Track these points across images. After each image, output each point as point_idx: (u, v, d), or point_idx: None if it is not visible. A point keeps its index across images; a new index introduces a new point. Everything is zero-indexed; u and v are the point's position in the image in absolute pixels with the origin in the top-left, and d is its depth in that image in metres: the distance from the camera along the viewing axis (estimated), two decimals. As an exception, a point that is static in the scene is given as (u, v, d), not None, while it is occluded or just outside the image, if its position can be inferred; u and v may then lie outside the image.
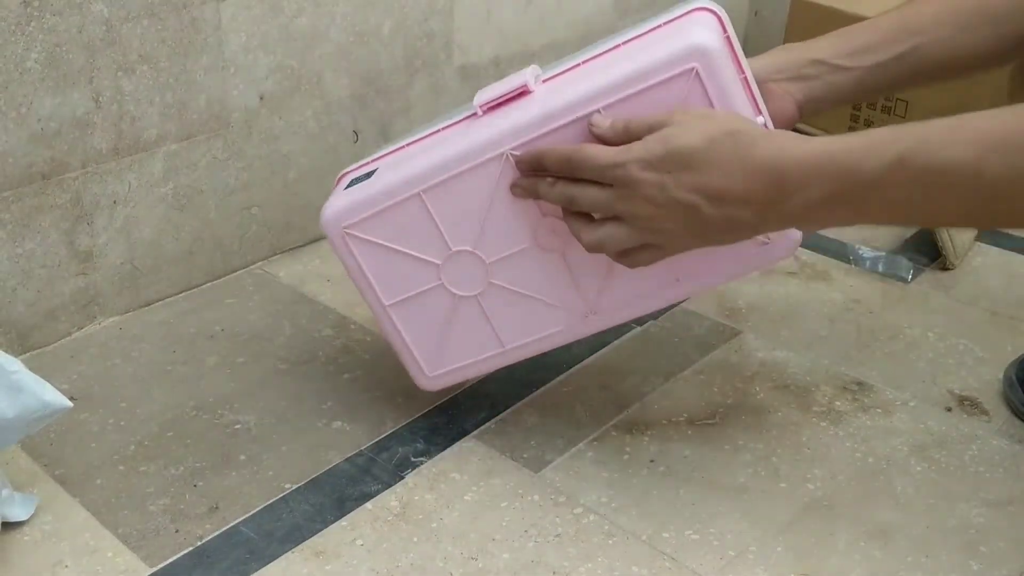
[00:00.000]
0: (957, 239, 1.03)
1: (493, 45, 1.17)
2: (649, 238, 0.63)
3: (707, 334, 0.89)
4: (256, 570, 0.65)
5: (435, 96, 1.12)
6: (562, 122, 0.65)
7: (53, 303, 0.87)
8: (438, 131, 0.72)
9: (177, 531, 0.68)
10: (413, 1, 1.05)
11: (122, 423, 0.78)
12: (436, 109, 1.11)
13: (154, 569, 0.65)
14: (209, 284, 0.98)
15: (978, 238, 1.08)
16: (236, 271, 1.01)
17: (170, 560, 0.65)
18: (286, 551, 0.66)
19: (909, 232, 1.07)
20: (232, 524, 0.68)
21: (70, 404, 0.64)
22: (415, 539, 0.67)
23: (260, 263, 1.02)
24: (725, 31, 0.65)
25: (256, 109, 0.96)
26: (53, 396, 0.63)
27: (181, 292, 0.96)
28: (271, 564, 0.65)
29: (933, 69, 0.75)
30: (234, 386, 0.83)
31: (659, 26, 0.67)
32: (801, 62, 0.74)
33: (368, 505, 0.70)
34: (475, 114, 0.70)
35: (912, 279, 1.00)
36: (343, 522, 0.69)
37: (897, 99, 1.20)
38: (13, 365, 0.62)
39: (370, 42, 1.03)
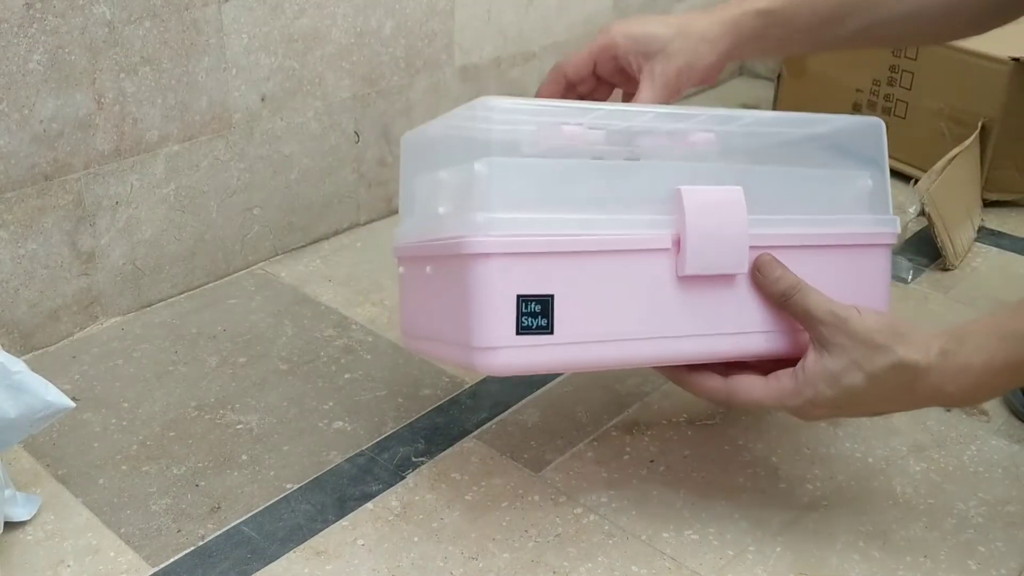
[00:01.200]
0: (957, 240, 1.03)
1: (494, 46, 1.17)
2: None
3: (707, 334, 0.90)
4: (257, 570, 0.65)
5: (436, 97, 1.12)
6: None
7: (55, 303, 0.87)
8: (627, 251, 0.61)
9: (179, 531, 0.68)
10: (414, 2, 1.06)
11: (124, 423, 0.78)
12: (437, 110, 1.11)
13: (156, 569, 0.65)
14: (211, 284, 0.99)
15: (977, 238, 1.08)
16: (238, 271, 1.01)
17: (172, 560, 0.66)
18: (287, 551, 0.66)
19: (909, 233, 1.07)
20: (234, 524, 0.69)
21: (72, 404, 0.64)
22: (416, 539, 0.67)
23: (262, 263, 1.02)
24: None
25: (258, 110, 0.96)
26: (55, 396, 0.63)
27: (183, 292, 0.97)
28: (272, 564, 0.65)
29: (885, 41, 0.77)
30: (236, 386, 0.83)
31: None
32: (755, 32, 0.72)
33: (369, 505, 0.70)
34: (667, 250, 0.62)
35: (912, 279, 1.00)
36: (344, 522, 0.69)
37: (897, 100, 1.20)
38: (16, 365, 0.63)
39: (371, 43, 1.03)
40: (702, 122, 0.67)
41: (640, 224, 0.62)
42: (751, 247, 0.64)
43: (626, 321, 0.61)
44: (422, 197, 0.68)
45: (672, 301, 0.62)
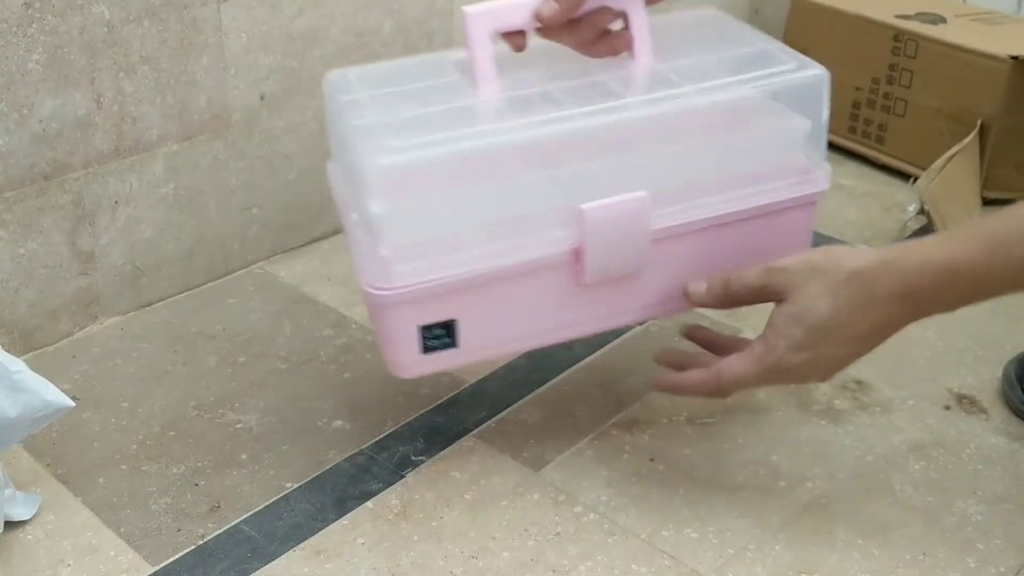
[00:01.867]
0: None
1: (493, 45, 1.17)
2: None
3: (706, 333, 0.90)
4: (257, 569, 0.65)
5: (435, 96, 1.12)
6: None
7: (55, 303, 0.87)
8: (526, 262, 0.63)
9: (179, 530, 0.68)
10: (413, 1, 1.05)
11: (124, 423, 0.78)
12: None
13: (156, 568, 0.65)
14: (210, 284, 0.99)
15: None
16: (237, 271, 1.01)
17: (172, 559, 0.66)
18: (287, 550, 0.66)
19: (908, 232, 1.07)
20: (233, 523, 0.69)
21: (72, 404, 0.64)
22: (415, 538, 0.67)
23: (261, 263, 1.02)
24: None
25: (257, 109, 0.96)
26: (55, 396, 0.63)
27: (182, 292, 0.97)
28: (272, 563, 0.66)
29: None
30: (235, 386, 0.83)
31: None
32: None
33: (369, 504, 0.70)
34: (568, 262, 0.64)
35: (911, 278, 1.00)
36: (344, 521, 0.69)
37: (896, 98, 1.20)
38: (15, 365, 0.63)
39: (370, 42, 1.03)
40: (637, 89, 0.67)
41: (539, 242, 0.63)
42: (666, 235, 0.65)
43: (530, 324, 0.66)
44: (337, 185, 0.72)
45: (574, 302, 0.66)
